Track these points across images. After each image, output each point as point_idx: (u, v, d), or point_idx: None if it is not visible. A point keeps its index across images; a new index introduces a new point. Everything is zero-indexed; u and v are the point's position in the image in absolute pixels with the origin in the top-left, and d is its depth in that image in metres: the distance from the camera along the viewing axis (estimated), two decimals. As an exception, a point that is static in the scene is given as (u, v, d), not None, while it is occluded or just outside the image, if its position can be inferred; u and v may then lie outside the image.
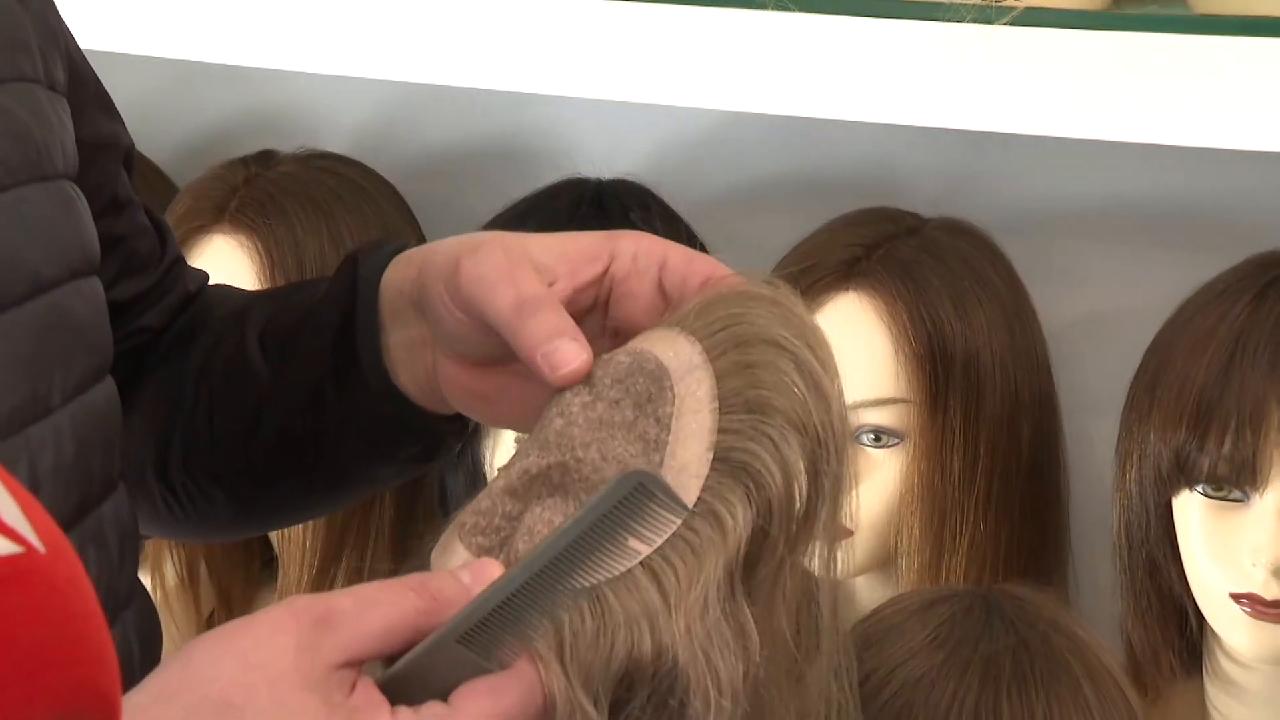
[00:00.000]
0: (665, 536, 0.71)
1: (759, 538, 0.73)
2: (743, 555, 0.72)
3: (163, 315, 1.00)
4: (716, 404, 0.74)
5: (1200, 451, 1.23)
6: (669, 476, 0.72)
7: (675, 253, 0.81)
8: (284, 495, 0.97)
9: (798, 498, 0.74)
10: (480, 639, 0.69)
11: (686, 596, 0.70)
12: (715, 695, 0.70)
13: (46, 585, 0.51)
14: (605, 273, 0.82)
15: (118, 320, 0.94)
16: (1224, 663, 1.29)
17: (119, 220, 0.97)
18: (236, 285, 1.46)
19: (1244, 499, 1.23)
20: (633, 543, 0.71)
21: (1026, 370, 1.38)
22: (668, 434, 0.74)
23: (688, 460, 0.73)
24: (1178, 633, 1.32)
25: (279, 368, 0.94)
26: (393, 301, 0.87)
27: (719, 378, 0.74)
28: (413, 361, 0.88)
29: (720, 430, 0.74)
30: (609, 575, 0.71)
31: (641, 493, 0.71)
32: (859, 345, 1.34)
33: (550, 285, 0.80)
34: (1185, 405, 1.24)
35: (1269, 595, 1.21)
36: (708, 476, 0.73)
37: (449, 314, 0.82)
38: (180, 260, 1.03)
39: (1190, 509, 1.25)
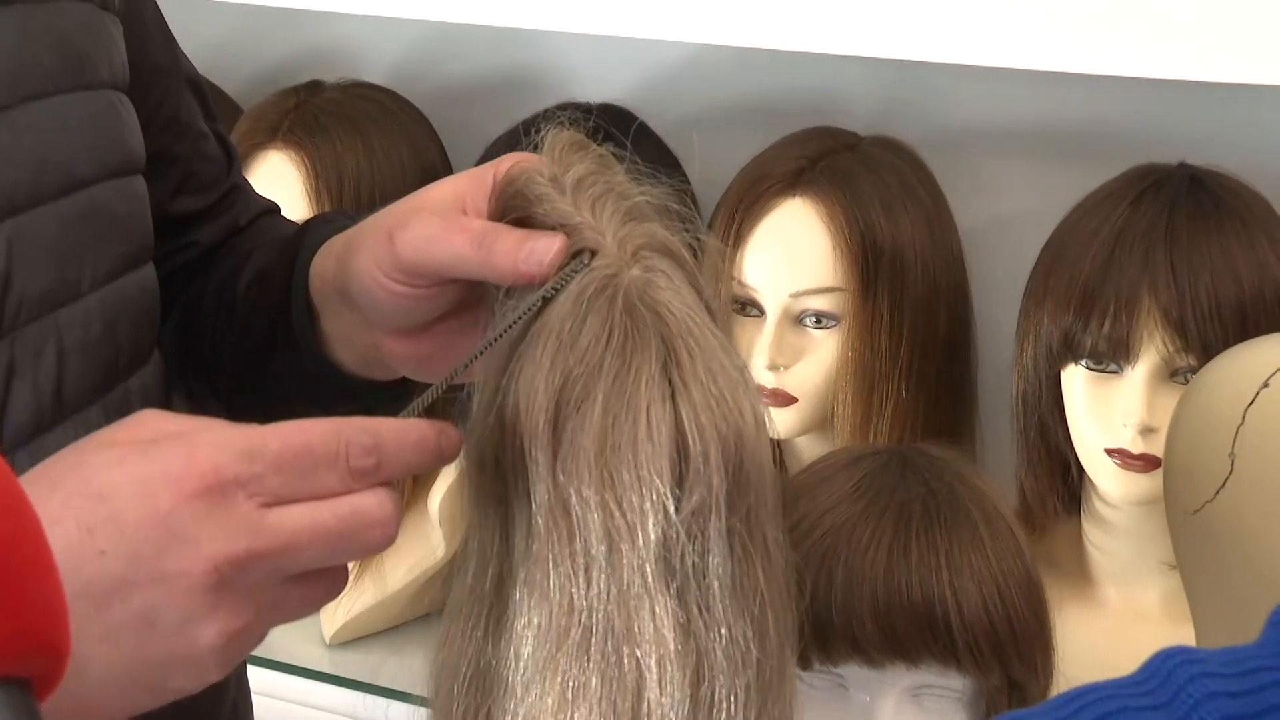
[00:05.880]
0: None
1: None
2: None
3: (213, 233, 1.00)
4: None
5: (1084, 331, 1.31)
6: None
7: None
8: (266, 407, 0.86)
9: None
10: None
11: None
12: None
13: None
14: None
15: (175, 232, 0.97)
16: (1097, 505, 1.39)
17: (180, 141, 0.98)
18: (287, 190, 1.57)
19: (1119, 371, 1.31)
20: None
21: (944, 264, 1.46)
22: None
23: None
24: (1061, 481, 1.41)
25: (250, 310, 0.94)
26: (320, 291, 0.87)
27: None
28: (351, 343, 0.87)
29: None
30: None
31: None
32: (803, 242, 1.43)
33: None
34: (1073, 293, 1.32)
35: (1135, 450, 1.30)
36: None
37: (386, 292, 0.80)
38: (238, 188, 1.03)
39: (1075, 379, 1.34)
